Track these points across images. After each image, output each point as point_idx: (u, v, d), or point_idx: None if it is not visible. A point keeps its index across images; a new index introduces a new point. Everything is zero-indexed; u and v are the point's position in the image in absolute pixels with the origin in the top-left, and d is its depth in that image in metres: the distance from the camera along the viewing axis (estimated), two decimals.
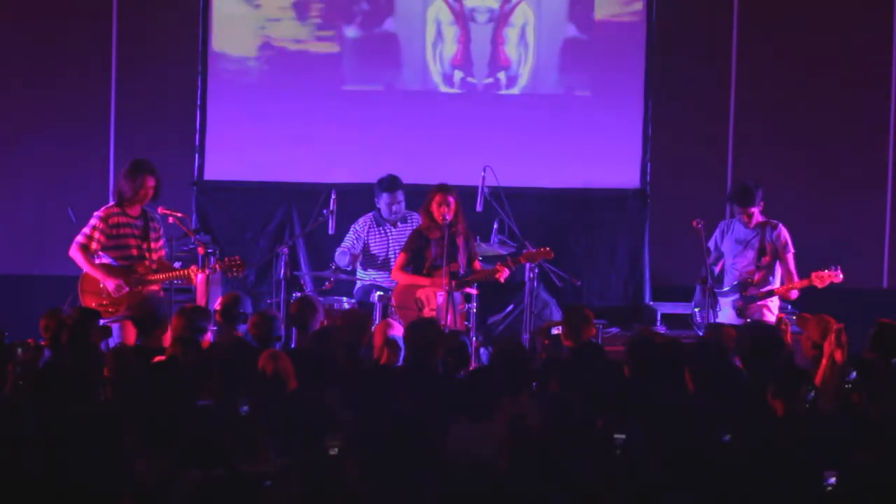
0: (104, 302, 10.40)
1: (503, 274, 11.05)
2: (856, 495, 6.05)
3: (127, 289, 10.48)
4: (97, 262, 10.54)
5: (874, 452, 6.83)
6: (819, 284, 11.09)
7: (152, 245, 10.65)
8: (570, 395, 7.27)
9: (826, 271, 11.04)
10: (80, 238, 10.59)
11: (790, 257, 11.32)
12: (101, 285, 10.49)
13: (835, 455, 6.50)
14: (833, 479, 6.04)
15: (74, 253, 10.58)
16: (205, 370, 7.95)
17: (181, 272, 10.51)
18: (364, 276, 11.85)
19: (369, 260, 11.89)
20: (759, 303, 11.25)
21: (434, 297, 11.06)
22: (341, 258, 11.87)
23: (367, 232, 11.89)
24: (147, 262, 10.57)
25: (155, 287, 10.53)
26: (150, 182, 10.57)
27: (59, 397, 7.39)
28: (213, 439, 6.66)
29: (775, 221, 11.39)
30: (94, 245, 10.55)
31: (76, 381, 7.57)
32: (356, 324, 9.31)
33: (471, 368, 8.68)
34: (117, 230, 10.59)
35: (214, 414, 6.94)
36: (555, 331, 9.26)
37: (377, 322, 10.55)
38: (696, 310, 11.47)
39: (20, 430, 6.73)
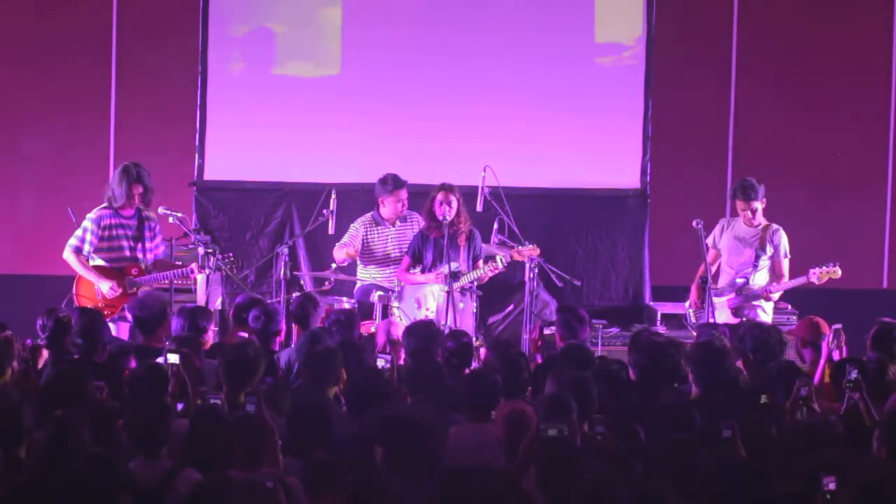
0: (98, 304, 10.40)
1: (492, 271, 10.99)
2: (853, 496, 6.05)
3: (120, 290, 10.49)
4: (91, 263, 10.56)
5: (873, 453, 6.84)
6: (817, 281, 11.09)
7: (147, 245, 10.65)
8: (567, 395, 7.26)
9: (824, 268, 11.03)
10: (71, 241, 10.62)
11: (785, 262, 11.31)
12: (96, 287, 10.50)
13: (832, 455, 6.50)
14: (832, 485, 5.95)
15: (67, 256, 10.60)
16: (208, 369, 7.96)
17: (180, 270, 10.52)
18: (365, 276, 11.84)
19: (369, 260, 11.88)
20: (753, 303, 11.24)
21: (430, 299, 11.04)
22: (338, 252, 11.85)
23: (366, 232, 11.87)
24: (140, 263, 10.58)
25: (147, 287, 10.52)
26: (137, 189, 10.58)
27: (60, 397, 7.39)
28: (217, 438, 6.66)
29: (776, 225, 11.38)
30: (85, 248, 10.56)
31: (77, 381, 7.58)
32: (343, 323, 9.26)
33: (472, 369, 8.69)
34: (109, 231, 10.60)
35: (221, 412, 6.93)
36: (546, 331, 9.23)
37: (377, 322, 10.57)
38: (691, 310, 11.46)
39: (20, 430, 6.74)
